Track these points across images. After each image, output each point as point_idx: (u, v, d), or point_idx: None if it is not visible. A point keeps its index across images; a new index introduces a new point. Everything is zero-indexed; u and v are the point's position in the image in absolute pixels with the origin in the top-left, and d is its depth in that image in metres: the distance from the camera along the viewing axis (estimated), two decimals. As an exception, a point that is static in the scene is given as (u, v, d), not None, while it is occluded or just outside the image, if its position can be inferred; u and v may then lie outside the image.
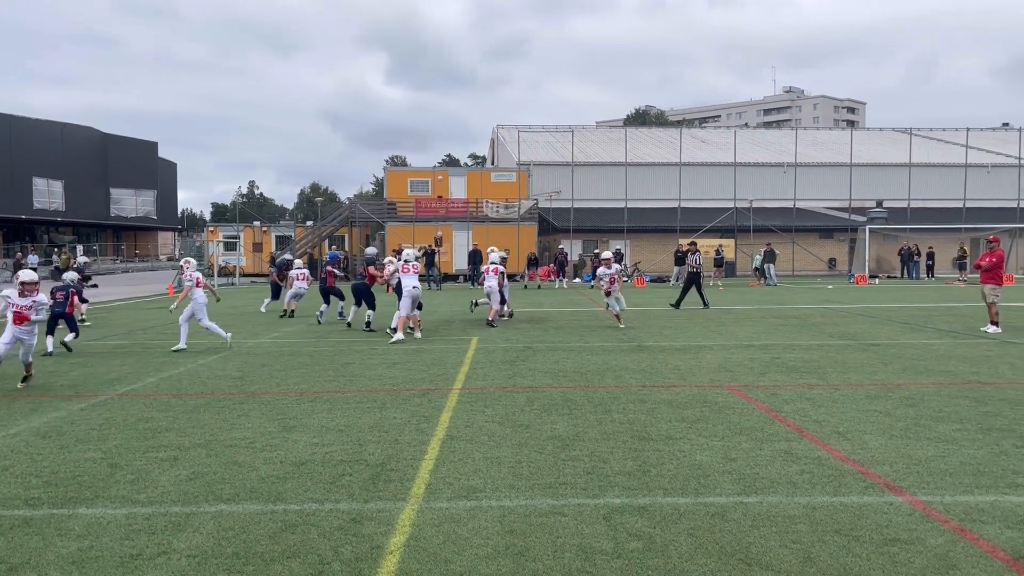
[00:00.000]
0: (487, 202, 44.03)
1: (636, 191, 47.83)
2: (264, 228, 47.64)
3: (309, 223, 51.76)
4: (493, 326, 17.07)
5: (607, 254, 17.11)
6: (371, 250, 18.74)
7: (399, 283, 15.67)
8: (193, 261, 15.50)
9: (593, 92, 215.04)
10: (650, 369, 11.18)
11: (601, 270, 16.89)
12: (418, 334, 15.34)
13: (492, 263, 18.11)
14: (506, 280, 18.30)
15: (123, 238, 70.94)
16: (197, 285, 14.06)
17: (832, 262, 46.92)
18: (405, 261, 15.81)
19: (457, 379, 10.58)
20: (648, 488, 5.75)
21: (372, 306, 17.03)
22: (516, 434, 7.41)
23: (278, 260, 24.12)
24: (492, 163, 63.34)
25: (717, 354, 12.52)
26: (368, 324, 16.68)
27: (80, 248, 49.26)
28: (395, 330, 14.91)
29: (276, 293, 22.89)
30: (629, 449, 6.82)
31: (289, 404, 8.96)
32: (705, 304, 21.50)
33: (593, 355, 12.63)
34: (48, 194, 60.70)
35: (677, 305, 21.50)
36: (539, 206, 44.93)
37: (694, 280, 21.78)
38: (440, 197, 45.25)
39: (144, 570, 4.40)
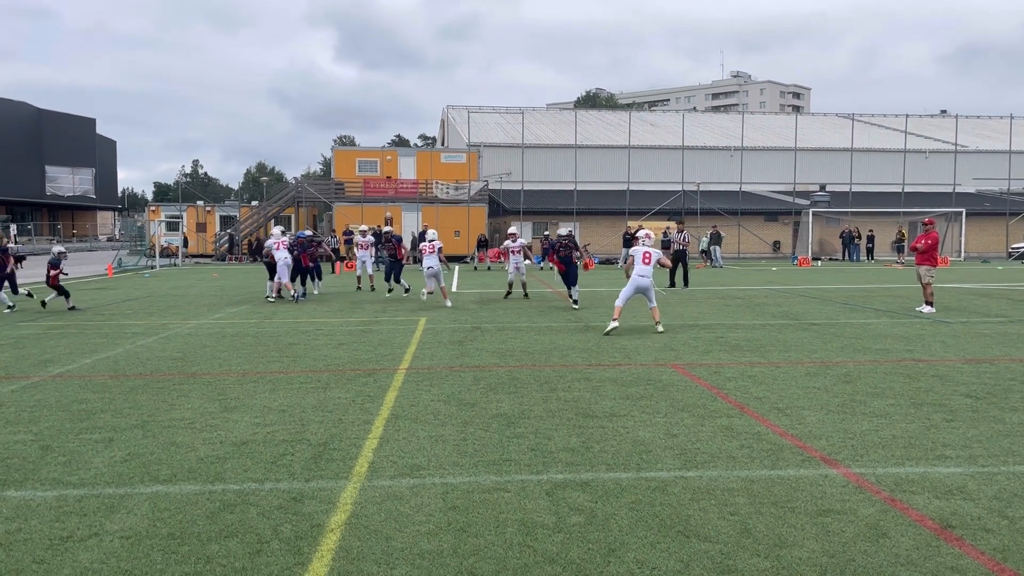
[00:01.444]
0: (437, 183, 43.74)
1: (586, 174, 48.04)
2: (208, 208, 46.65)
3: (255, 203, 50.83)
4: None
5: (643, 232, 13.76)
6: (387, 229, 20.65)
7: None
8: None
9: (544, 74, 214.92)
10: (596, 348, 11.26)
11: (634, 248, 13.36)
12: (448, 302, 17.33)
13: (430, 240, 17.96)
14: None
15: (60, 217, 68.77)
16: None
17: (777, 244, 47.82)
18: (430, 241, 17.55)
19: (404, 359, 10.51)
20: (591, 464, 5.80)
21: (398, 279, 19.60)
22: (461, 412, 7.40)
23: (299, 236, 20.82)
24: (442, 144, 62.92)
25: (662, 334, 12.67)
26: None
27: (13, 228, 47.64)
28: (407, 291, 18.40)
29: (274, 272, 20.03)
30: (573, 426, 6.86)
31: (231, 385, 8.80)
32: (672, 284, 21.86)
33: (540, 335, 12.67)
34: (-21, 171, 58.48)
35: (672, 283, 21.85)
36: (489, 188, 44.81)
37: (680, 258, 22.09)
38: (389, 178, 44.81)
39: (75, 552, 4.28)
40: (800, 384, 8.66)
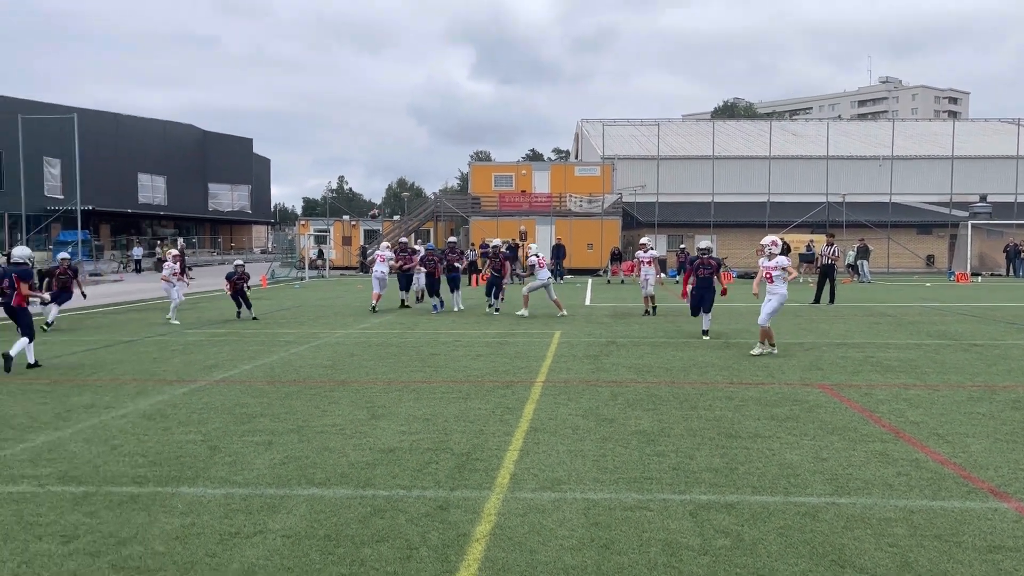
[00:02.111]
0: (571, 196, 43.92)
1: (723, 185, 46.90)
2: (353, 222, 48.76)
3: (396, 217, 52.69)
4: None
5: (768, 239, 12.38)
6: (496, 241, 20.73)
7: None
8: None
9: (680, 85, 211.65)
10: (737, 366, 10.97)
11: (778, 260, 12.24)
12: (563, 312, 18.17)
13: (536, 254, 18.66)
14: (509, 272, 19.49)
15: (219, 231, 73.73)
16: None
17: (930, 259, 44.98)
18: (537, 255, 18.39)
19: (540, 372, 10.61)
20: (736, 486, 5.65)
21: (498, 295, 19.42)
22: (600, 428, 7.39)
23: (428, 248, 21.58)
24: (576, 157, 63.14)
25: (807, 352, 12.17)
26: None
27: (181, 240, 51.42)
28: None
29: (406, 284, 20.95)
30: (716, 446, 6.71)
31: (377, 393, 9.16)
32: (817, 300, 21.06)
33: (678, 351, 12.46)
34: (152, 189, 63.65)
35: (817, 299, 21.13)
36: (623, 200, 44.56)
37: (828, 273, 21.33)
38: (524, 192, 45.39)
39: (242, 548, 4.58)
40: (962, 409, 8.11)
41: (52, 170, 52.44)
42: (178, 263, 18.59)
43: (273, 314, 19.31)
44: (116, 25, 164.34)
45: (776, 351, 12.11)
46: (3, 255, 34.31)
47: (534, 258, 18.49)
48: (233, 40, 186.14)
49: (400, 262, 20.35)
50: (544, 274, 18.27)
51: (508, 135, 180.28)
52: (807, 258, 36.29)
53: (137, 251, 47.65)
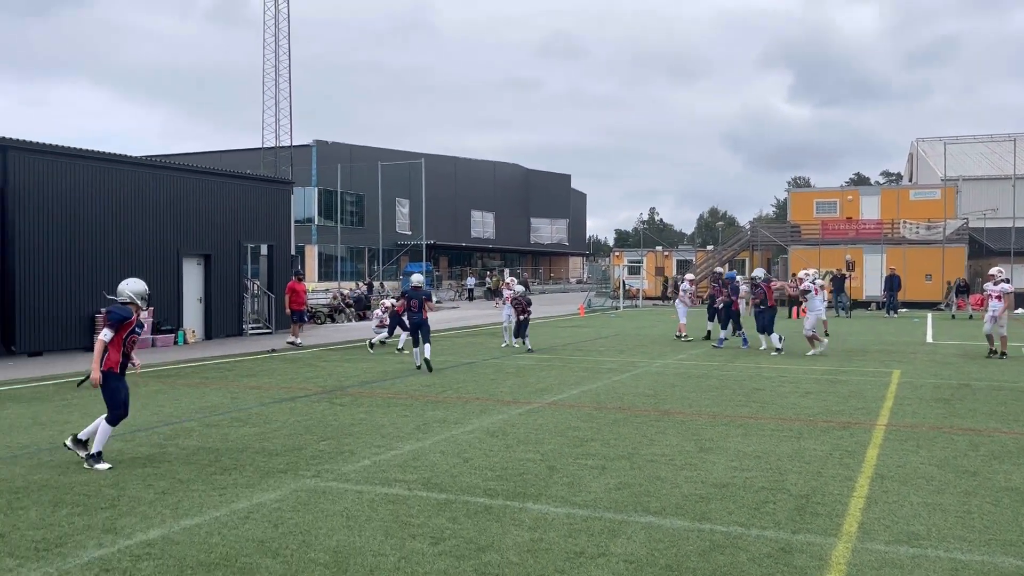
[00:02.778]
0: (905, 223, 40.18)
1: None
2: (666, 253, 49.00)
3: (709, 247, 52.02)
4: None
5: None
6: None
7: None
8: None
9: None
10: None
11: None
12: (815, 350, 16.76)
13: (813, 281, 17.47)
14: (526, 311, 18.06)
15: (540, 262, 78.23)
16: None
17: None
18: (814, 282, 17.19)
19: (881, 414, 9.80)
20: None
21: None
22: (960, 481, 6.64)
23: (728, 277, 19.96)
24: (910, 180, 57.72)
25: None
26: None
27: (507, 271, 55.35)
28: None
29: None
30: (1115, 514, 5.70)
31: (703, 426, 9.08)
32: None
33: (1051, 398, 10.80)
34: (482, 224, 69.51)
35: None
36: (969, 226, 39.78)
37: None
38: (849, 218, 42.43)
39: (588, 568, 4.78)
40: None
41: (402, 209, 59.40)
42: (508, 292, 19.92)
43: (592, 342, 19.98)
44: (453, 77, 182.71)
45: None
46: (365, 284, 39.39)
47: (809, 285, 17.07)
48: (553, 81, 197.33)
49: (713, 292, 20.04)
50: (817, 303, 16.97)
51: (829, 159, 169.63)
52: None
53: (470, 281, 52.14)
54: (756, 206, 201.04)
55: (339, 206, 51.68)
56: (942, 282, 36.97)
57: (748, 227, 51.30)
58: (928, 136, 55.73)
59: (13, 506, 6.01)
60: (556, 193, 77.34)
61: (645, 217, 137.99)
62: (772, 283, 18.55)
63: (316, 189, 52.88)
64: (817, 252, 40.11)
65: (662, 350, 17.80)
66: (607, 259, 62.73)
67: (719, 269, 21.56)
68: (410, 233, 56.92)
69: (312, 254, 52.25)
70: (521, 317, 18.02)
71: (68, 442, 7.44)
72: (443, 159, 65.25)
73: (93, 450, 7.19)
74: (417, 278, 15.21)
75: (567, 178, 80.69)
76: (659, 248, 50.38)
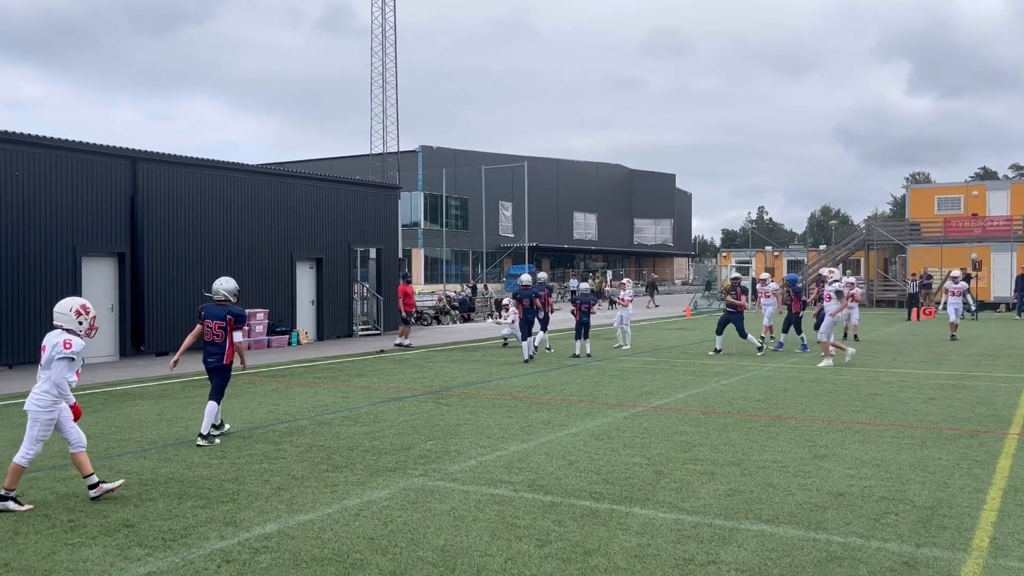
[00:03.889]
0: (1038, 218, 37.61)
1: None
2: (776, 253, 47.54)
3: (822, 247, 50.19)
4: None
5: None
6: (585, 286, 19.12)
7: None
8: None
9: None
10: None
11: None
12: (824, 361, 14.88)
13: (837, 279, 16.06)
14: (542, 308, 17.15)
15: (643, 264, 77.29)
16: None
17: None
18: (838, 280, 16.04)
19: (1013, 422, 9.20)
20: None
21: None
22: (1106, 495, 6.14)
23: (788, 279, 19.37)
24: (1044, 172, 53.96)
25: None
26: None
27: (610, 273, 54.94)
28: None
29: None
30: None
31: (817, 432, 8.74)
32: None
33: None
34: (584, 226, 69.28)
35: None
36: (1116, 220, 36.88)
37: None
38: (975, 215, 40.07)
39: None
40: None
41: (505, 212, 59.91)
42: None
43: (699, 344, 19.56)
44: (556, 79, 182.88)
45: None
46: (469, 286, 39.93)
47: (836, 284, 15.52)
48: (656, 80, 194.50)
49: (817, 294, 19.09)
50: (831, 307, 15.07)
51: (952, 153, 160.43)
52: None
53: (573, 283, 52.02)
54: (871, 204, 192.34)
55: (444, 210, 52.60)
56: (1081, 281, 34.38)
57: (863, 225, 49.19)
58: (1064, 125, 51.99)
59: (142, 497, 6.36)
60: (660, 193, 76.29)
61: (753, 216, 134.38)
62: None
63: (422, 194, 53.98)
64: (939, 251, 38.08)
65: (773, 353, 17.25)
66: (714, 260, 61.38)
67: (825, 271, 20.23)
68: (513, 236, 57.33)
69: (418, 257, 53.36)
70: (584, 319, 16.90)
71: (201, 441, 8.22)
72: (546, 162, 65.45)
73: (207, 430, 8.30)
74: (525, 277, 16.94)
75: (671, 178, 79.46)
76: (768, 248, 48.90)
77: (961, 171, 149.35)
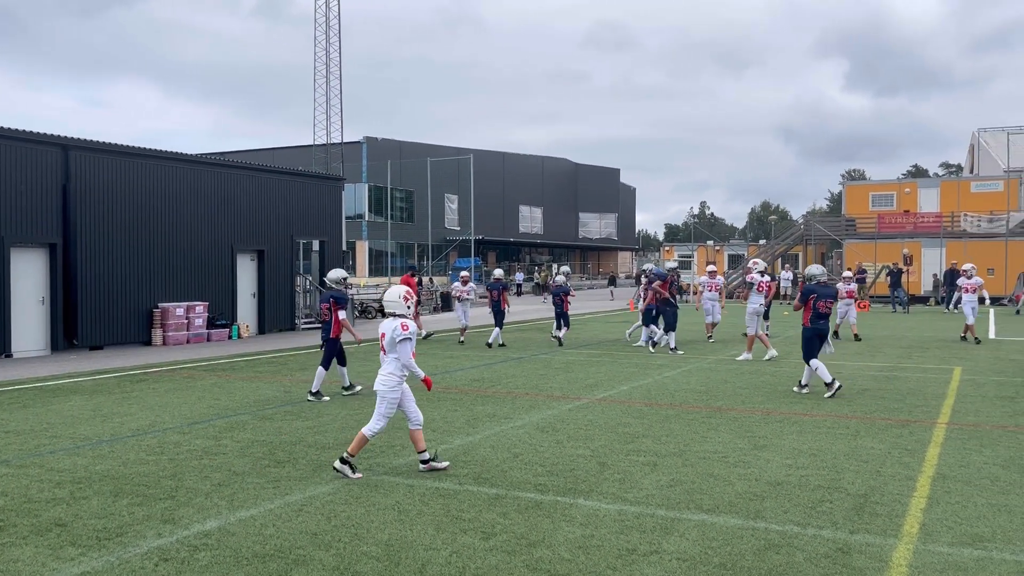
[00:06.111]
0: (966, 215, 39.06)
1: None
2: (717, 247, 48.38)
3: (762, 242, 51.24)
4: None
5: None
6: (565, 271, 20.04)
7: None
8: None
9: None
10: None
11: None
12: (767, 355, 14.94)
13: (760, 272, 15.41)
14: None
15: (588, 257, 77.87)
16: None
17: None
18: (761, 272, 15.42)
19: (941, 412, 9.53)
20: None
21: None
22: (1028, 482, 6.41)
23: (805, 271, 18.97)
24: (970, 172, 56.05)
25: None
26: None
27: (556, 266, 55.24)
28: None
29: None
30: None
31: (756, 423, 8.93)
32: None
33: (1124, 397, 10.37)
34: (530, 219, 69.46)
35: None
36: (1035, 218, 38.44)
37: None
38: (907, 211, 41.40)
39: (640, 565, 4.73)
40: None
41: (451, 205, 59.73)
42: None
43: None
44: (501, 71, 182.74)
45: None
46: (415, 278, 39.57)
47: (757, 276, 15.12)
48: (601, 73, 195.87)
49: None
50: (757, 300, 14.96)
51: (886, 150, 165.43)
52: None
53: (518, 276, 52.15)
54: (809, 199, 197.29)
55: (389, 202, 52.13)
56: (1005, 277, 35.83)
57: (801, 221, 50.39)
58: (990, 126, 54.02)
59: (75, 496, 6.18)
60: (605, 187, 76.92)
61: (696, 211, 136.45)
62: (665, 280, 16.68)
63: (366, 185, 53.43)
64: (873, 246, 39.23)
65: (714, 346, 17.56)
66: (656, 254, 62.20)
67: (751, 263, 18.81)
68: (459, 228, 57.17)
69: (363, 249, 52.83)
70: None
71: (310, 397, 10.51)
72: (491, 154, 65.38)
73: (316, 388, 10.52)
74: (498, 272, 19.95)
75: (616, 172, 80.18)
76: (710, 243, 49.75)
77: (895, 168, 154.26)
